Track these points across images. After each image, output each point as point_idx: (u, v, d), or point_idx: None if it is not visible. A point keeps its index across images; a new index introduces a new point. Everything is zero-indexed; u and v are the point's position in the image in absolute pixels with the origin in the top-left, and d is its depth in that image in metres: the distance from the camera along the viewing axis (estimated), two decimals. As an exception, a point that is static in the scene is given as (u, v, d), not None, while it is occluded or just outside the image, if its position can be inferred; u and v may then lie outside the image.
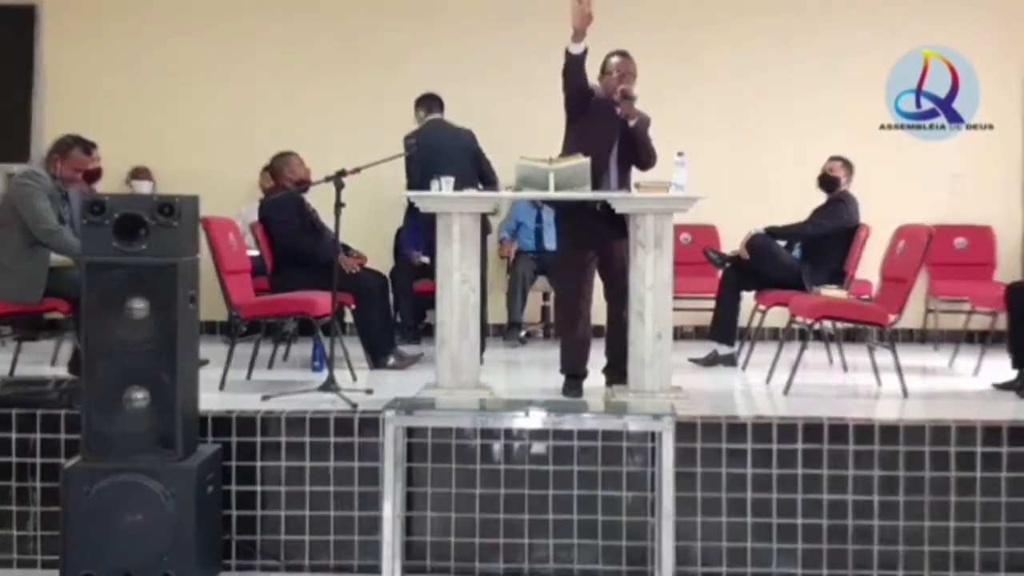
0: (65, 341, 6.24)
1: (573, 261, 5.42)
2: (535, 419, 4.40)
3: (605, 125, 5.37)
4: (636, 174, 5.53)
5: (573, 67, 5.16)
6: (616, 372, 5.37)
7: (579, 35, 5.05)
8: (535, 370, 6.52)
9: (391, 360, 6.15)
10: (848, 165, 6.65)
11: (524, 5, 8.02)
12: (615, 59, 5.42)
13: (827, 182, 6.65)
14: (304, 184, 6.36)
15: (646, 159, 5.47)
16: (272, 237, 6.36)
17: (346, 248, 6.77)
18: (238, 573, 4.50)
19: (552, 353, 6.98)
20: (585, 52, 5.12)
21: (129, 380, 4.11)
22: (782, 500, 4.48)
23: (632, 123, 5.33)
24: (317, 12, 8.15)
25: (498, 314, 7.48)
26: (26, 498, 4.53)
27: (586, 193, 5.20)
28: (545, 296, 7.87)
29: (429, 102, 6.92)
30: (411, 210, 6.72)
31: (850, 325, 6.50)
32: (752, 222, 6.67)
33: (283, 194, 6.38)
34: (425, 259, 6.94)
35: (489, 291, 5.22)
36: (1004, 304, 5.67)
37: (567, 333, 5.46)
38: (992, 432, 4.48)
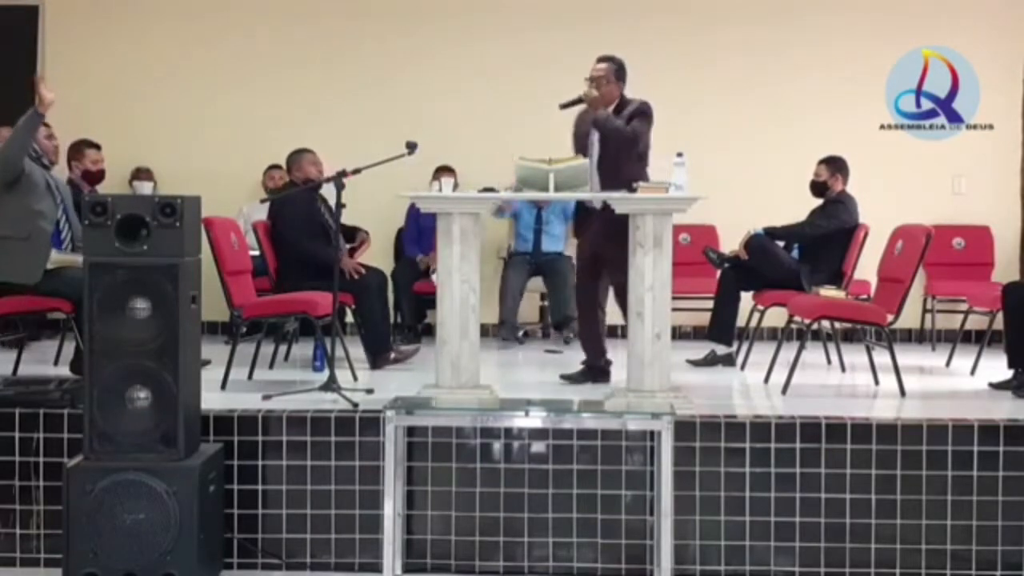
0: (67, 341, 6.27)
1: (582, 258, 5.82)
2: (535, 418, 4.43)
3: (581, 133, 5.69)
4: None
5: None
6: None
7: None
8: (534, 369, 6.54)
9: (392, 355, 6.17)
10: (835, 164, 6.63)
11: (529, 15, 8.08)
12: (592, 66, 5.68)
13: (816, 187, 6.67)
14: (309, 183, 6.37)
15: (625, 145, 5.57)
16: (277, 236, 6.38)
17: (354, 229, 6.81)
18: (240, 571, 4.52)
19: (552, 354, 7.05)
20: None
21: (131, 380, 4.13)
22: (780, 499, 4.50)
23: (598, 115, 5.59)
24: (320, 13, 8.17)
25: (492, 314, 7.51)
26: (29, 497, 4.55)
27: (585, 193, 5.24)
28: (543, 296, 7.89)
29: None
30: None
31: (848, 325, 6.52)
32: (751, 222, 6.69)
33: (291, 192, 6.38)
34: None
35: (482, 291, 5.24)
36: (1001, 304, 5.69)
37: (580, 327, 5.92)
38: (989, 431, 4.50)
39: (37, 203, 5.27)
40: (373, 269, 6.62)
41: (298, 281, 6.09)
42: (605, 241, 5.46)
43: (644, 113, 5.59)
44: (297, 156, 6.64)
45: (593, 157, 5.59)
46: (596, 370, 5.71)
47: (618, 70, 5.64)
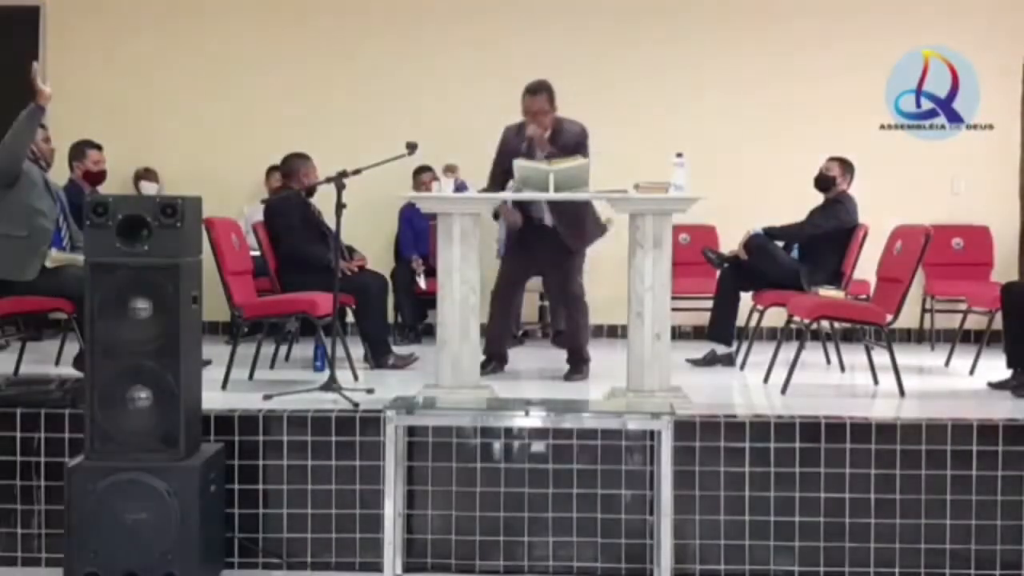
0: (69, 340, 6.27)
1: (511, 269, 6.12)
2: (535, 418, 4.43)
3: (511, 149, 5.77)
4: (635, 175, 5.56)
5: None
6: (574, 359, 5.93)
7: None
8: (533, 369, 6.54)
9: (391, 360, 6.20)
10: (846, 165, 6.67)
11: (528, 15, 8.10)
12: (525, 99, 5.76)
13: (823, 182, 6.68)
14: (310, 190, 6.39)
15: None
16: (276, 237, 6.40)
17: (350, 250, 6.82)
18: (241, 571, 4.53)
19: (551, 353, 7.06)
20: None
21: (132, 380, 4.14)
22: (780, 498, 4.51)
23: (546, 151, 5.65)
24: (321, 13, 8.18)
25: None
26: (30, 497, 4.56)
27: (584, 194, 5.25)
28: (542, 296, 7.88)
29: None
30: None
31: (847, 325, 6.53)
32: (750, 222, 6.70)
33: (287, 194, 6.41)
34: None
35: (482, 291, 5.26)
36: (1000, 304, 5.70)
37: (490, 324, 6.05)
38: (988, 431, 4.51)
39: (36, 201, 5.27)
40: (373, 273, 6.64)
41: (299, 281, 6.10)
42: (553, 255, 5.85)
43: (584, 144, 5.70)
44: (305, 161, 6.59)
45: None
46: (500, 357, 6.03)
47: (550, 96, 5.72)
